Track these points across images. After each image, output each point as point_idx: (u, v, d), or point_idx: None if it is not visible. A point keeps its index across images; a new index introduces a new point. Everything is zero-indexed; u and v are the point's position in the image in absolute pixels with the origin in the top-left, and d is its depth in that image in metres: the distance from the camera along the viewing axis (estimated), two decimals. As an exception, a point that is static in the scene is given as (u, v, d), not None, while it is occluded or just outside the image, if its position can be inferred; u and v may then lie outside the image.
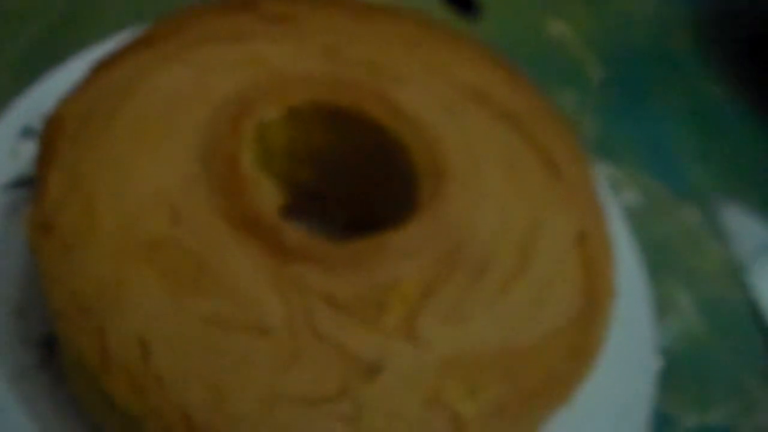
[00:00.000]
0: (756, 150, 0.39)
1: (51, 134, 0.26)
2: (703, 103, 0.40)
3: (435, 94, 0.28)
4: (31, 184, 0.30)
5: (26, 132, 0.31)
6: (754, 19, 0.42)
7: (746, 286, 0.36)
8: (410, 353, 0.23)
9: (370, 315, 0.24)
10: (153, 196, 0.24)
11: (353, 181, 0.30)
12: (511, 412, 0.24)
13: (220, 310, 0.23)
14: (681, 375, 0.34)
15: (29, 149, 0.31)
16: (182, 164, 0.25)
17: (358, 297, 0.24)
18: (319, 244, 0.24)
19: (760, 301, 0.36)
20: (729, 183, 0.38)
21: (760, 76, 0.41)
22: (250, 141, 0.26)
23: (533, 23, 0.40)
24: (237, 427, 0.22)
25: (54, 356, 0.28)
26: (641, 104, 0.39)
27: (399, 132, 0.27)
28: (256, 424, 0.22)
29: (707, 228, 0.37)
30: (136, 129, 0.26)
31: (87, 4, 0.38)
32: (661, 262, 0.36)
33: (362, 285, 0.24)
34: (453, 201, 0.26)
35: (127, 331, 0.23)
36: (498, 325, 0.25)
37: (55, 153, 0.25)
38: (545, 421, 0.26)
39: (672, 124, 0.39)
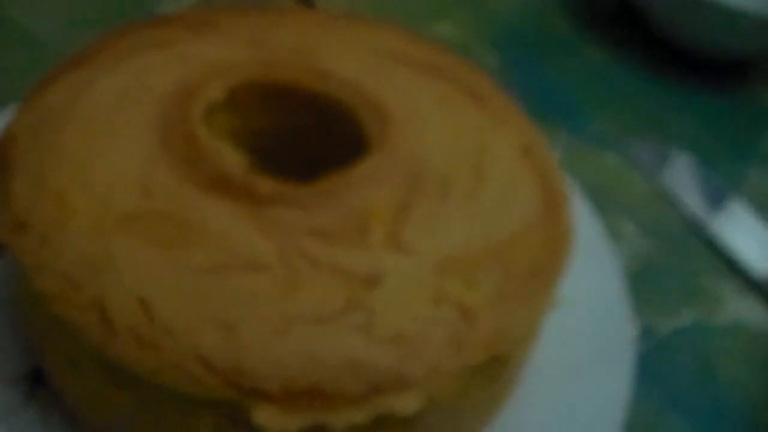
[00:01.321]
0: (644, 95, 0.43)
1: (4, 149, 0.26)
2: (588, 67, 0.44)
3: (359, 61, 0.30)
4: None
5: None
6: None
7: (677, 205, 0.39)
8: (403, 262, 0.24)
9: (356, 237, 0.24)
10: (120, 178, 0.25)
11: (307, 154, 0.31)
12: (511, 296, 0.25)
13: (213, 258, 0.23)
14: (642, 291, 0.36)
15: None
16: (141, 149, 0.26)
17: (339, 225, 0.25)
18: (290, 187, 0.25)
19: (697, 217, 0.38)
20: (633, 125, 0.42)
21: (631, 37, 0.45)
22: (202, 121, 0.27)
23: (421, 27, 0.43)
24: (255, 356, 0.22)
25: (38, 390, 0.27)
26: (538, 78, 0.43)
27: (337, 94, 0.29)
28: (275, 349, 0.22)
29: (627, 166, 0.40)
30: (89, 129, 0.26)
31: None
32: (598, 201, 0.38)
33: (340, 214, 0.25)
34: (401, 138, 0.28)
35: (126, 295, 0.23)
36: (475, 227, 0.26)
37: (13, 164, 0.25)
38: (543, 312, 0.27)
39: (569, 87, 0.43)
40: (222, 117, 0.29)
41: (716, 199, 0.39)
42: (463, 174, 0.27)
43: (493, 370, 0.24)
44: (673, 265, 0.37)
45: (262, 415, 0.22)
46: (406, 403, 0.22)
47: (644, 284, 0.36)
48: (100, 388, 0.24)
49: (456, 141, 0.28)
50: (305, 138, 0.30)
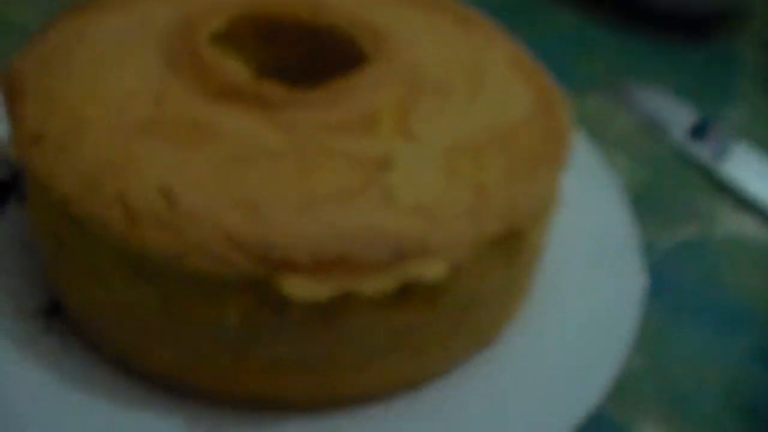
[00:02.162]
0: (615, 46, 0.45)
1: (13, 80, 0.26)
2: (567, 27, 0.45)
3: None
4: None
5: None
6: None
7: (664, 136, 0.40)
8: (414, 148, 0.25)
9: (365, 128, 0.25)
10: (131, 91, 0.25)
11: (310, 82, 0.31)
12: (522, 175, 0.25)
13: (229, 151, 0.24)
14: (641, 214, 0.36)
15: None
16: (150, 69, 0.26)
17: (349, 119, 0.25)
18: (299, 92, 0.26)
19: (682, 143, 0.40)
20: (611, 75, 0.43)
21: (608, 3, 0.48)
22: (206, 44, 0.28)
23: None
24: (281, 230, 0.22)
25: (55, 322, 0.27)
26: (515, 36, 0.44)
27: (333, 20, 0.30)
28: (300, 223, 0.22)
29: (611, 105, 0.41)
30: (98, 56, 0.27)
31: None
32: (589, 137, 0.39)
33: (348, 110, 0.25)
34: (397, 50, 0.29)
35: (148, 187, 0.23)
36: (477, 120, 0.26)
37: (22, 92, 0.26)
38: (550, 194, 0.27)
39: (547, 46, 0.44)
40: (223, 51, 0.29)
41: (699, 130, 0.40)
42: (460, 80, 0.28)
43: (510, 247, 0.25)
44: (668, 189, 0.38)
45: (293, 286, 0.22)
46: (432, 270, 0.23)
47: (642, 207, 0.37)
48: (122, 291, 0.24)
49: (449, 55, 0.29)
50: (305, 68, 0.31)
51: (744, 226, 0.36)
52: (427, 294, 0.23)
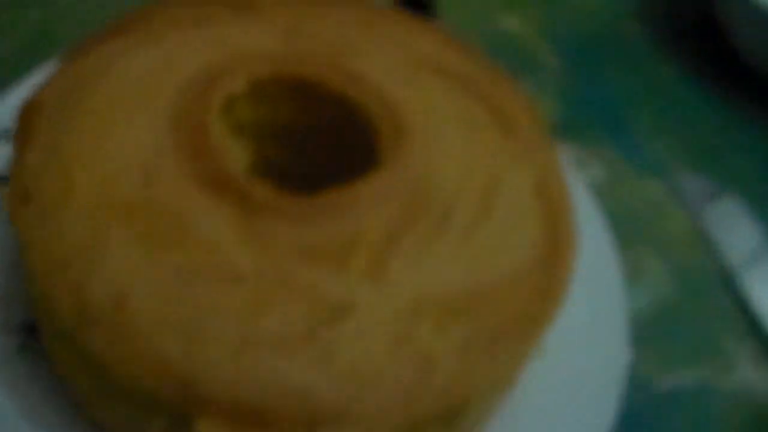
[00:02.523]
0: (709, 123, 0.41)
1: (28, 116, 0.27)
2: (656, 83, 0.41)
3: (392, 64, 0.30)
4: (7, 182, 0.31)
5: (2, 135, 0.32)
6: (696, 1, 0.44)
7: (714, 251, 0.37)
8: (378, 294, 0.24)
9: (338, 259, 0.24)
10: (127, 162, 0.25)
11: (319, 157, 0.31)
12: (480, 350, 0.24)
13: (193, 262, 0.24)
14: (653, 338, 0.34)
15: (5, 151, 0.32)
16: (154, 134, 0.26)
17: (325, 244, 0.25)
18: (287, 198, 0.25)
19: (731, 267, 0.37)
20: (687, 156, 0.40)
21: (710, 56, 0.43)
22: (219, 112, 0.27)
23: (487, 20, 0.42)
24: (210, 370, 0.23)
25: (34, 340, 0.29)
26: (597, 87, 0.41)
27: (360, 98, 0.28)
28: (230, 368, 0.23)
29: (670, 198, 0.38)
30: (110, 105, 0.27)
31: (60, 20, 0.40)
32: (629, 232, 0.37)
33: (329, 233, 0.25)
34: (414, 155, 0.27)
35: (105, 286, 0.23)
36: (463, 267, 0.25)
37: (32, 133, 0.26)
38: (519, 365, 0.26)
39: (628, 103, 0.41)
40: (242, 106, 0.29)
41: (758, 254, 0.37)
42: (468, 204, 0.27)
43: (448, 419, 0.24)
44: (690, 315, 0.35)
45: (206, 426, 0.22)
46: (346, 439, 0.23)
47: (653, 331, 0.35)
48: (67, 361, 0.25)
49: (469, 166, 0.28)
50: (320, 137, 0.30)
51: (758, 380, 0.34)
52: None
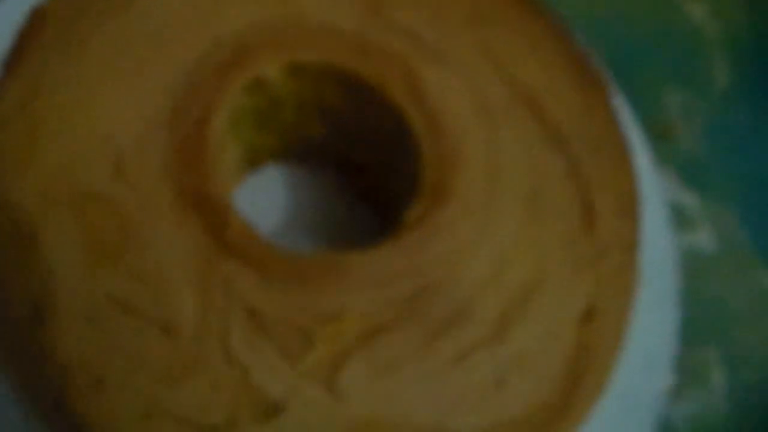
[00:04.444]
0: None
1: (29, 32, 0.22)
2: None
3: (477, 84, 0.23)
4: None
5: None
6: None
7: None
8: (320, 402, 0.20)
9: (293, 345, 0.20)
10: (103, 142, 0.21)
11: (366, 149, 0.25)
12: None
13: (131, 292, 0.20)
14: None
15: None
16: (149, 107, 0.22)
17: (286, 320, 0.20)
18: (262, 243, 0.21)
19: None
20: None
21: None
22: (236, 95, 0.22)
23: (671, 5, 0.32)
24: (109, 426, 0.20)
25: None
26: (765, 129, 0.32)
27: (413, 120, 0.22)
28: (129, 427, 0.20)
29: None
30: (115, 52, 0.22)
31: None
32: (708, 325, 0.30)
33: (296, 307, 0.20)
34: (446, 229, 0.22)
35: (29, 288, 0.20)
36: (438, 401, 0.21)
37: (25, 56, 0.22)
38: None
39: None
40: (282, 81, 0.23)
41: None
42: (486, 314, 0.22)
43: None
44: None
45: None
46: None
47: None
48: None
49: (511, 262, 0.22)
50: (372, 133, 0.24)
51: None
52: None
